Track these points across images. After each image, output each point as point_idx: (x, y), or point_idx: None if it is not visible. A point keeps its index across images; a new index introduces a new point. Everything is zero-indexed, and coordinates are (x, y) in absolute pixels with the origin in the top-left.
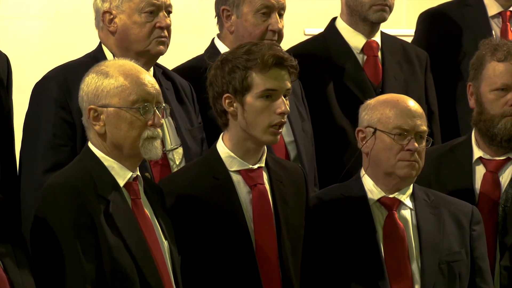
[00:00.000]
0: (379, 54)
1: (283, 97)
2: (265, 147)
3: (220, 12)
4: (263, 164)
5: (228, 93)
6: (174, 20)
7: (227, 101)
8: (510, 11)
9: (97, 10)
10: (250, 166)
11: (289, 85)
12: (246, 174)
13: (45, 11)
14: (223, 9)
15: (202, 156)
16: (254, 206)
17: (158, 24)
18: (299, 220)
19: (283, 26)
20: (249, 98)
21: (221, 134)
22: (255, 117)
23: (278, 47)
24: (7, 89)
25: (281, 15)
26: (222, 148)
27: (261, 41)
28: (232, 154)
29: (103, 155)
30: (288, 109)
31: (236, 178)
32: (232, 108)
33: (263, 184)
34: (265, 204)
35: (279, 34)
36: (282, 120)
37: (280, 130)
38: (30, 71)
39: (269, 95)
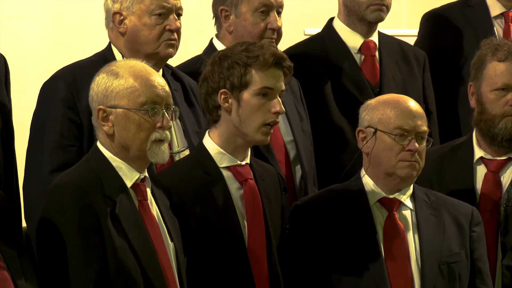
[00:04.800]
0: (377, 54)
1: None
2: None
3: (218, 13)
4: (249, 161)
5: (224, 88)
6: None
7: (222, 96)
8: None
9: (107, 11)
10: (239, 162)
11: (283, 86)
12: (235, 170)
13: (45, 11)
14: (222, 9)
15: (190, 154)
16: (246, 202)
17: (168, 27)
18: (278, 219)
19: (281, 24)
20: (246, 95)
21: (207, 131)
22: (250, 114)
23: (276, 47)
24: (5, 88)
25: (279, 13)
26: (211, 144)
27: (258, 41)
28: (222, 150)
29: (111, 155)
30: (283, 109)
31: (226, 174)
32: (226, 104)
33: (253, 179)
34: (256, 199)
35: (278, 33)
36: (276, 120)
37: (272, 131)
38: (30, 71)
39: (266, 94)
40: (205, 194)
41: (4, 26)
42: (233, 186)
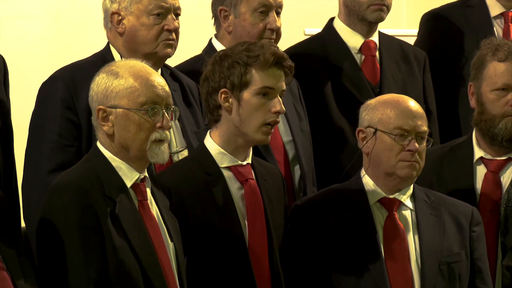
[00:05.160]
0: (377, 54)
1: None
2: None
3: (217, 13)
4: (250, 161)
5: (225, 88)
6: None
7: (223, 95)
8: None
9: (105, 11)
10: (240, 162)
11: (284, 86)
12: (236, 170)
13: (45, 11)
14: (221, 9)
15: (191, 154)
16: (247, 201)
17: (166, 27)
18: (281, 219)
19: (280, 25)
20: (246, 94)
21: (209, 131)
22: (250, 114)
23: (277, 47)
24: (4, 89)
25: (278, 14)
26: (212, 144)
27: (259, 41)
28: (223, 151)
29: (111, 155)
30: (284, 109)
31: (227, 174)
32: (227, 104)
33: (253, 179)
34: (257, 199)
35: (277, 33)
36: (277, 119)
37: (272, 131)
38: (30, 71)
39: (266, 93)
40: (205, 194)
41: (4, 26)
42: (234, 186)
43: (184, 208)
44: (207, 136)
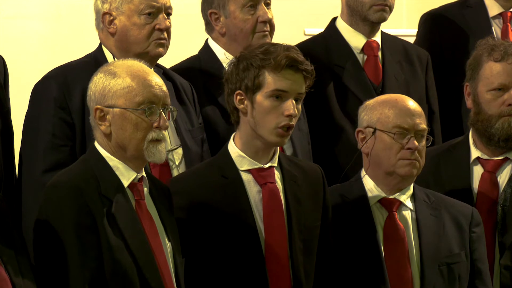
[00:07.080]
0: (380, 54)
1: (294, 100)
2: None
3: (208, 17)
4: (275, 164)
5: (240, 90)
6: (173, 20)
7: (238, 97)
8: (511, 11)
9: (97, 11)
10: (261, 165)
11: (302, 89)
12: (256, 173)
13: (45, 11)
14: (211, 12)
15: (213, 157)
16: (264, 205)
17: (157, 26)
18: (313, 220)
19: (272, 16)
20: (259, 97)
21: (233, 134)
22: (263, 116)
23: (295, 50)
24: (4, 89)
25: (268, 5)
26: (233, 148)
27: (279, 43)
28: (242, 154)
29: (108, 155)
30: (297, 112)
31: (246, 177)
32: (242, 106)
33: (274, 182)
34: (276, 202)
35: (270, 24)
36: (290, 122)
37: (289, 132)
38: (30, 71)
39: (279, 96)
40: (220, 198)
41: (4, 26)
42: (253, 189)
43: (197, 212)
44: (230, 140)
